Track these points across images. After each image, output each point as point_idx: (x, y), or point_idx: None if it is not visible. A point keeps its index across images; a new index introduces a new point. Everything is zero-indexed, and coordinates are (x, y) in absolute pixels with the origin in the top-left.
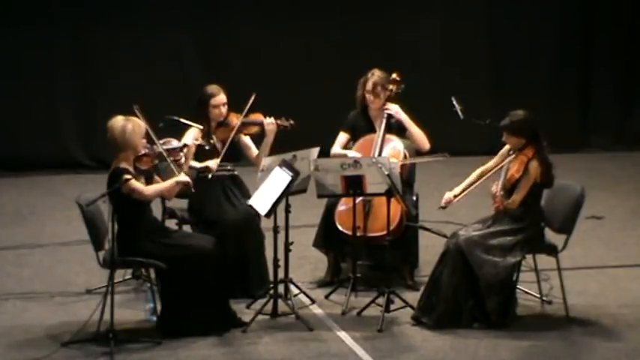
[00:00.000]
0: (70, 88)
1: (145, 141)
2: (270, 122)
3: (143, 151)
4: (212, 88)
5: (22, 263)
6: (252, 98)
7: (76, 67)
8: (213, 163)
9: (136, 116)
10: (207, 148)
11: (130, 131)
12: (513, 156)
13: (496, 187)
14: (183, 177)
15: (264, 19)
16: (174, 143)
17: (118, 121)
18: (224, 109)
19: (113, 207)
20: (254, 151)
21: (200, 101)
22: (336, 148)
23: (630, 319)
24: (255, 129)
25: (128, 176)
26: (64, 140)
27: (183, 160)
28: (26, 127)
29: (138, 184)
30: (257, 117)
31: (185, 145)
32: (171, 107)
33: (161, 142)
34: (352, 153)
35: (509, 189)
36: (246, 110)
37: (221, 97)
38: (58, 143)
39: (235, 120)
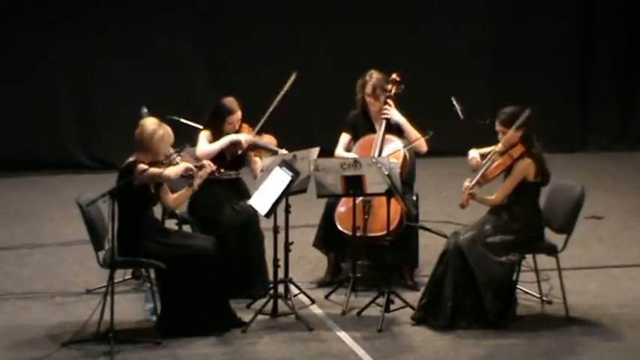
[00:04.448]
0: (70, 89)
1: (169, 149)
2: (282, 153)
3: (162, 159)
4: (230, 103)
5: (22, 263)
6: (267, 114)
7: (76, 68)
8: (207, 163)
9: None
10: (216, 175)
11: (159, 138)
12: (498, 154)
13: (469, 182)
14: (186, 163)
15: (265, 21)
16: (192, 161)
17: (152, 123)
18: (237, 125)
19: (117, 203)
20: (258, 165)
21: (216, 114)
22: (340, 150)
23: (630, 319)
24: (265, 154)
25: (143, 166)
26: (64, 140)
27: (196, 176)
28: (26, 127)
29: (153, 168)
30: (268, 140)
31: (202, 166)
32: (171, 107)
33: (176, 150)
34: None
35: (484, 185)
36: (257, 128)
37: (237, 115)
38: (58, 143)
39: (247, 132)
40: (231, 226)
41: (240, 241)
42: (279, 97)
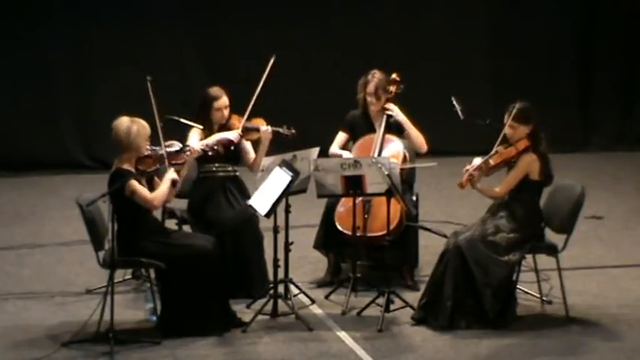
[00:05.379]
0: (69, 89)
1: (148, 143)
2: (265, 130)
3: (146, 153)
4: (215, 90)
5: (22, 263)
6: (254, 99)
7: (75, 67)
8: (196, 145)
9: (148, 89)
10: (210, 154)
11: (135, 133)
12: (504, 145)
13: (470, 165)
14: (171, 174)
15: (265, 21)
16: (177, 146)
17: (123, 122)
18: (226, 112)
19: (114, 207)
20: (252, 155)
21: (203, 103)
22: (334, 148)
23: (630, 319)
24: (256, 135)
25: (133, 181)
26: (64, 140)
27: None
28: (26, 127)
29: (144, 191)
30: (258, 122)
31: (186, 146)
32: (170, 107)
33: (166, 144)
34: (347, 154)
35: (485, 174)
36: (247, 114)
37: (224, 100)
38: (58, 143)
39: (237, 123)
40: (229, 226)
41: (239, 241)
42: (260, 84)
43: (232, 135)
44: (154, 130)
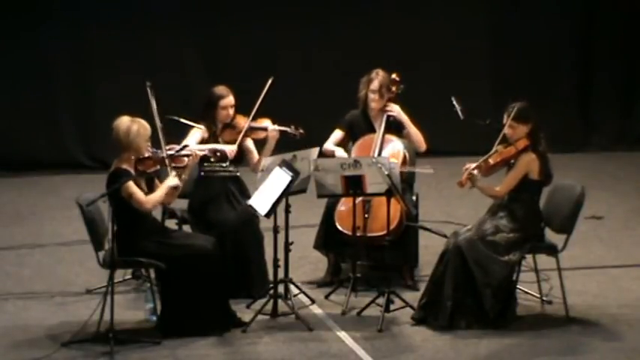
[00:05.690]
0: (69, 89)
1: (149, 144)
2: (273, 129)
3: (147, 154)
4: (221, 89)
5: (22, 263)
6: (260, 100)
7: (75, 67)
8: (196, 147)
9: (148, 95)
10: (212, 160)
11: (135, 133)
12: (503, 145)
13: (469, 164)
14: (172, 180)
15: (265, 21)
16: (178, 148)
17: (124, 121)
18: (232, 111)
19: (113, 207)
20: (255, 155)
21: (208, 102)
22: (329, 145)
23: (630, 319)
24: (262, 134)
25: (129, 180)
26: (64, 140)
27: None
28: (26, 127)
29: (139, 193)
30: (264, 122)
31: (186, 146)
32: (170, 107)
33: (167, 147)
34: (340, 151)
35: (485, 173)
36: (253, 114)
37: (230, 99)
38: (58, 143)
39: (242, 122)
40: (229, 227)
41: (239, 242)
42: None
43: (228, 149)
44: (155, 133)
